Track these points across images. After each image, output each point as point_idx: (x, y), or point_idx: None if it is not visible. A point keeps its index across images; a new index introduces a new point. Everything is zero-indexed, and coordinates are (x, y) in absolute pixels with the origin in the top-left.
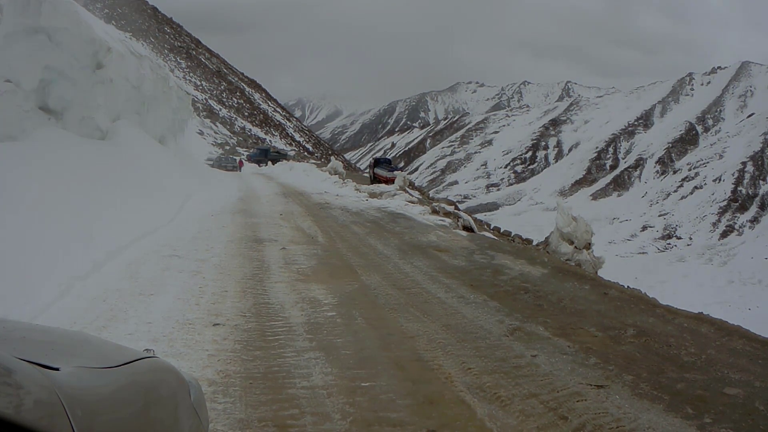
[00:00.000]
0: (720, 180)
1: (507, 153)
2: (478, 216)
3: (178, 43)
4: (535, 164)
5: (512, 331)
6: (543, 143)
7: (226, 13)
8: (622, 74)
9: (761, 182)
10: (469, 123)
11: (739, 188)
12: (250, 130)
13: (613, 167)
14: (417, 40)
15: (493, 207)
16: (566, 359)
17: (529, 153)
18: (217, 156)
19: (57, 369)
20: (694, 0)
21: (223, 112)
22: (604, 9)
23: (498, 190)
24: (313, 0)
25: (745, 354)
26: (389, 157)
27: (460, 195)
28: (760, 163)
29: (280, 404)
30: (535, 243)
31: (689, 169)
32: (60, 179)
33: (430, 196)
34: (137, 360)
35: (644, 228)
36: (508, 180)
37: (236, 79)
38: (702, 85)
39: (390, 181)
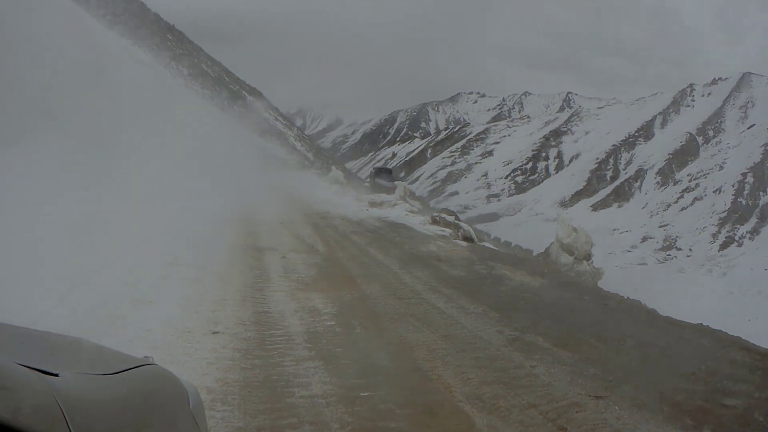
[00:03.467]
0: (720, 191)
1: (507, 163)
2: (479, 226)
3: (180, 51)
4: (536, 175)
5: (512, 342)
6: (543, 154)
7: (229, 22)
8: (622, 86)
9: (761, 193)
10: (469, 133)
11: (739, 199)
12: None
13: (614, 178)
14: (418, 50)
15: (493, 217)
16: (565, 370)
17: (530, 164)
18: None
19: (56, 375)
20: (688, 15)
21: None
22: (602, 22)
23: (498, 200)
24: (314, 10)
25: (744, 365)
26: (390, 167)
27: (461, 205)
28: (760, 174)
29: (279, 413)
30: (535, 253)
31: (689, 180)
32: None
33: (431, 206)
34: (136, 367)
35: (644, 239)
36: (509, 190)
37: (237, 87)
38: (703, 96)
39: (390, 190)
